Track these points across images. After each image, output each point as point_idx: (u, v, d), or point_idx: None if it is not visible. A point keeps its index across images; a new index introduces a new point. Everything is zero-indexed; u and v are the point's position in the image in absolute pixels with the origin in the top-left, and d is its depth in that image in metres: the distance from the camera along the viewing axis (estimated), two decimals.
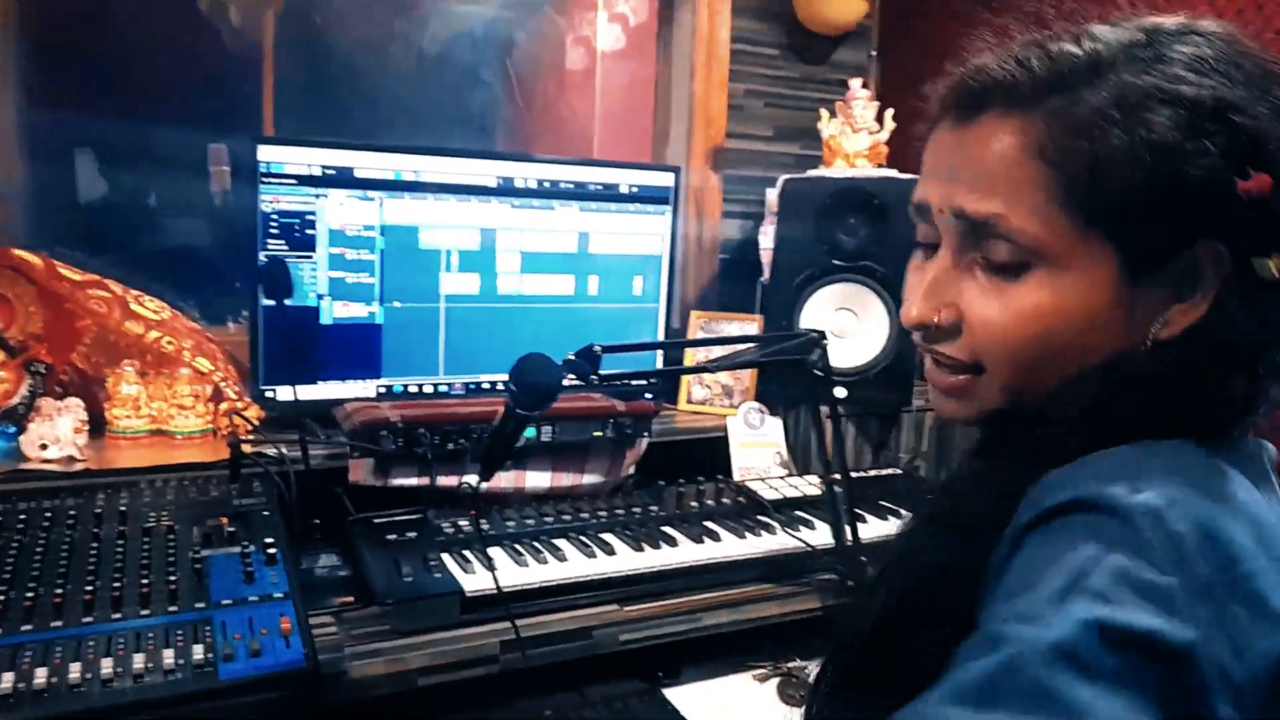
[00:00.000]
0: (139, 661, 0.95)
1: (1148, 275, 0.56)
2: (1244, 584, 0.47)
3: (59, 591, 1.03)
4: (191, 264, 2.41)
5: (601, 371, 1.08)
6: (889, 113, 1.84)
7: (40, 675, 0.91)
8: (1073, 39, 0.59)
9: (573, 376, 1.06)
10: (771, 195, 1.88)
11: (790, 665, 1.33)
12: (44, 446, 1.28)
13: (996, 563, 0.54)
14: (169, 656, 0.96)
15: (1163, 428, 0.56)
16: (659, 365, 1.75)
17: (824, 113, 1.88)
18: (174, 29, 2.59)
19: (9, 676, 0.90)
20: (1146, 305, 0.57)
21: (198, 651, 0.98)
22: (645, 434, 1.58)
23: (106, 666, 0.93)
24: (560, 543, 1.32)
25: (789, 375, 1.69)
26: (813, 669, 1.31)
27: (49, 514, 1.17)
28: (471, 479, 1.44)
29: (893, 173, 1.81)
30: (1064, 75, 0.57)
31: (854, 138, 1.84)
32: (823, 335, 1.29)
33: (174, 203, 2.40)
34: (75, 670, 0.92)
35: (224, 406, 1.47)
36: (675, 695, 1.25)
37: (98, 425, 1.41)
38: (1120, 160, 0.54)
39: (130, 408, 1.41)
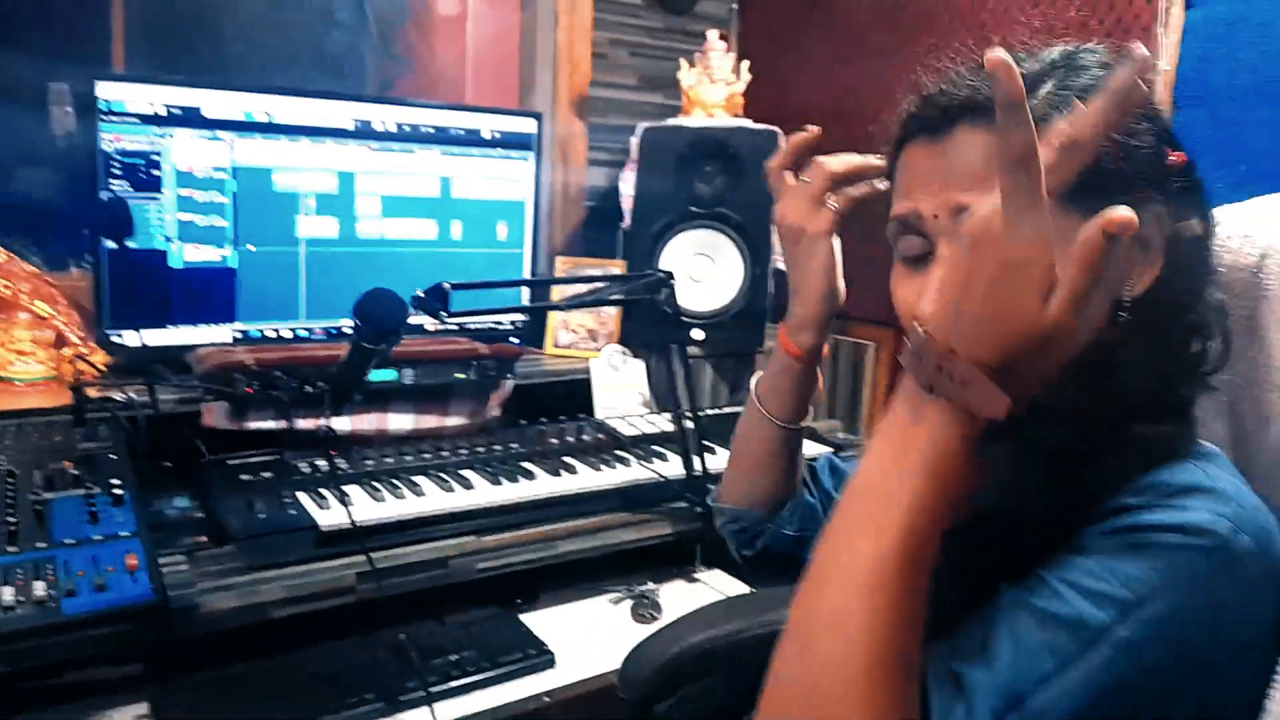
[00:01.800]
0: None
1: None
2: None
3: None
4: (30, 207, 2.28)
5: (457, 310, 1.11)
6: (745, 64, 1.90)
7: None
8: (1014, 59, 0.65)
9: (422, 314, 1.09)
10: (634, 143, 1.93)
11: (643, 588, 1.41)
12: None
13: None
14: (8, 594, 0.96)
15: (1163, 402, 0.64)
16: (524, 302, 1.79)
17: (684, 63, 1.93)
18: None
19: None
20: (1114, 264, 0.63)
21: (39, 589, 0.97)
22: (509, 376, 1.62)
23: None
24: (419, 479, 1.35)
25: (650, 318, 1.76)
26: (665, 591, 1.41)
27: None
28: (331, 422, 1.46)
29: (747, 123, 1.88)
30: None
31: (711, 88, 1.90)
32: (670, 275, 1.35)
33: (12, 144, 2.27)
34: None
35: (69, 352, 1.43)
36: (532, 619, 1.31)
37: None
38: None
39: None
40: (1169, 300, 0.64)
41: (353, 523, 1.12)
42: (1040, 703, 0.54)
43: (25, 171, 2.37)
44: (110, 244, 1.42)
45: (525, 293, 1.83)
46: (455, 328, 1.62)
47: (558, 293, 1.85)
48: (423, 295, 1.09)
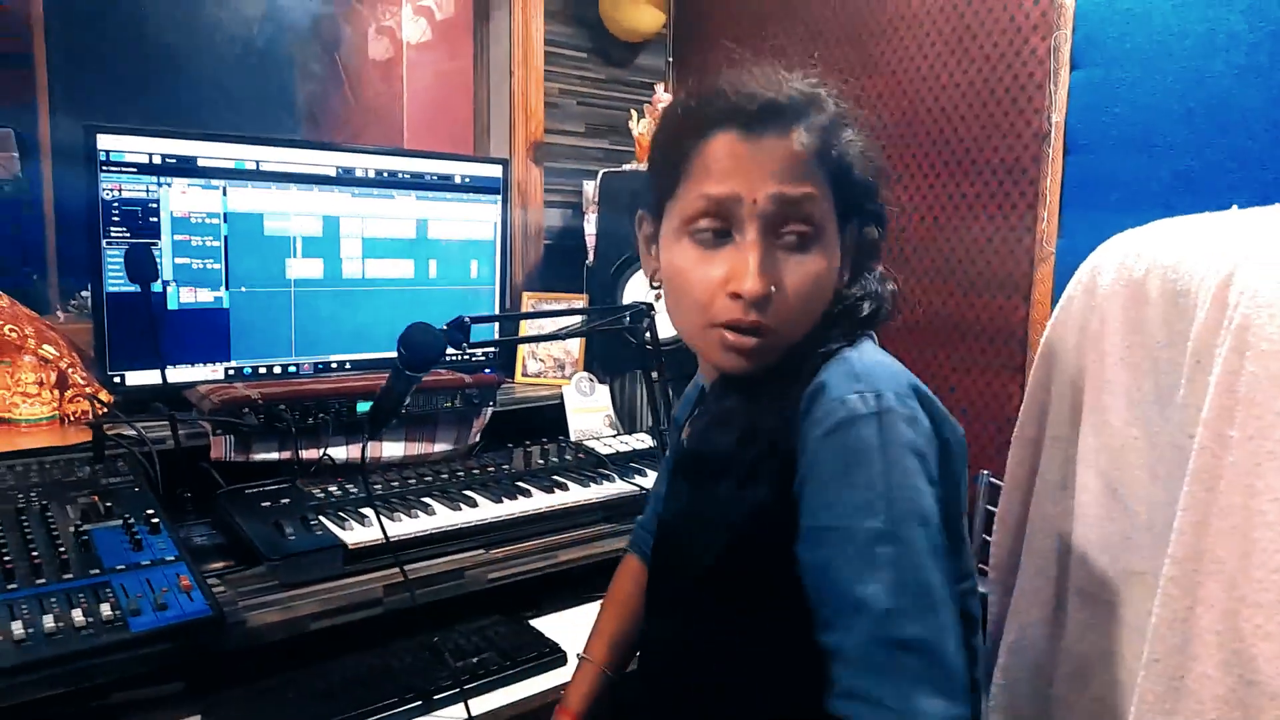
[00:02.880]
0: (49, 622, 1.01)
1: (845, 243, 0.85)
2: (933, 405, 0.79)
3: None
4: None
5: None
6: None
7: None
8: (789, 78, 0.83)
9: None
10: (589, 186, 2.09)
11: None
12: None
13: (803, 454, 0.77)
14: (78, 615, 1.03)
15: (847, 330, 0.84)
16: (495, 338, 1.91)
17: (634, 113, 2.10)
18: None
19: None
20: (843, 263, 0.85)
21: (105, 610, 1.04)
22: (490, 403, 1.74)
23: (17, 630, 0.99)
24: (427, 499, 1.46)
25: (616, 346, 1.91)
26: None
27: None
28: (334, 450, 1.56)
29: None
30: (807, 101, 0.81)
31: None
32: (650, 307, 1.51)
33: None
34: None
35: (70, 392, 1.47)
36: (539, 624, 1.43)
37: None
38: (851, 161, 0.83)
39: None
40: (854, 283, 0.87)
41: (386, 538, 1.22)
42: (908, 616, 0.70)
43: None
44: (121, 288, 1.48)
45: (497, 326, 1.95)
46: None
47: (528, 325, 1.98)
48: (449, 328, 1.20)
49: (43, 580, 1.08)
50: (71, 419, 1.47)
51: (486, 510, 1.45)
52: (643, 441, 1.83)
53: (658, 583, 0.99)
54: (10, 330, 1.41)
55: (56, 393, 1.47)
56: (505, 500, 1.49)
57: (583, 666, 1.16)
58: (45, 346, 1.44)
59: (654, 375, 1.58)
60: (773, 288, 0.78)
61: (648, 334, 1.51)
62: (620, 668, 1.16)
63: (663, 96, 2.08)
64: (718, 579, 0.83)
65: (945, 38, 1.89)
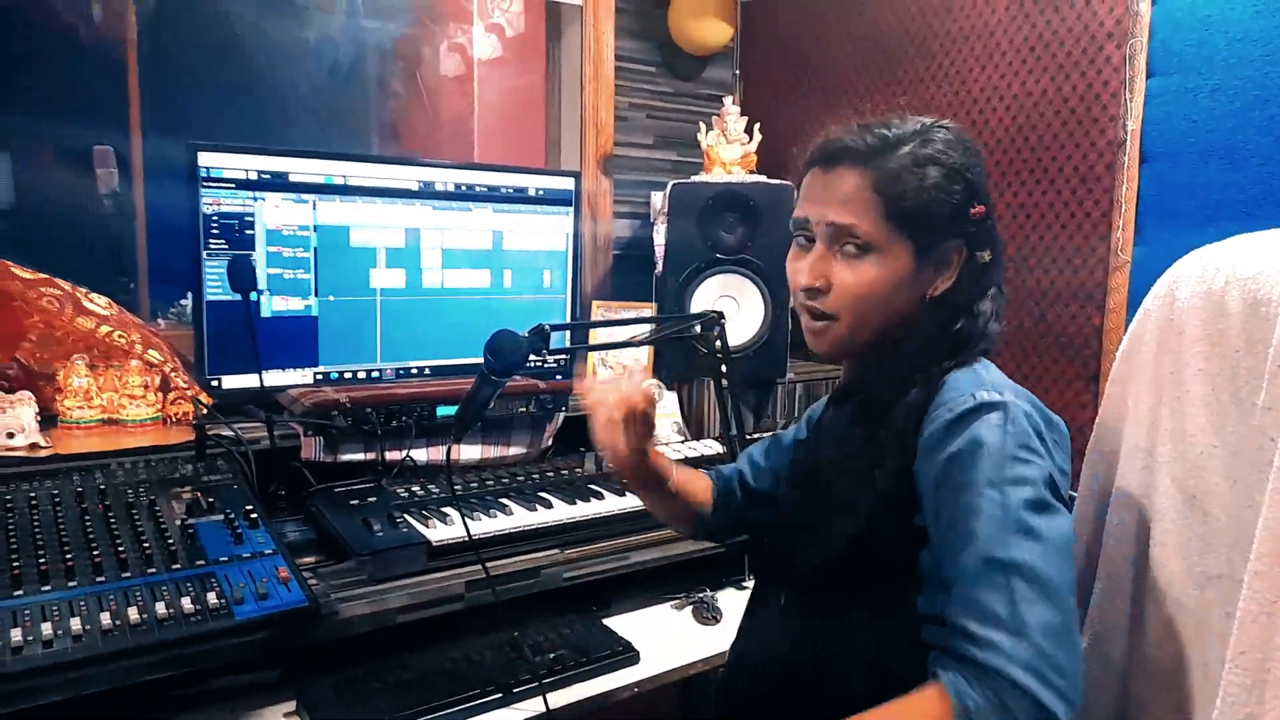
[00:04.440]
0: (161, 609, 1.08)
1: (925, 259, 0.97)
2: (1055, 429, 0.90)
3: (68, 557, 1.14)
4: (88, 265, 2.40)
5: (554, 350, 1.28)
6: (756, 126, 2.12)
7: (75, 624, 1.03)
8: (884, 126, 0.99)
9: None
10: (657, 197, 2.13)
11: (700, 594, 1.58)
12: (10, 435, 1.35)
13: (929, 446, 0.89)
14: (187, 603, 1.10)
15: (952, 353, 0.96)
16: (566, 344, 1.96)
17: (702, 125, 2.14)
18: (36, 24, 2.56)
19: (46, 628, 1.02)
20: (924, 277, 0.97)
21: (211, 598, 1.11)
22: (563, 409, 1.79)
23: (133, 615, 1.06)
24: (505, 500, 1.51)
25: (684, 354, 1.94)
26: (721, 597, 1.57)
27: (33, 496, 1.26)
28: (415, 452, 1.62)
29: (762, 178, 2.09)
30: (882, 145, 0.97)
31: (728, 147, 2.11)
32: (721, 315, 1.54)
33: (65, 202, 2.39)
34: (105, 619, 1.04)
35: (172, 395, 1.56)
36: (610, 622, 1.47)
37: (46, 417, 1.48)
38: (915, 193, 0.95)
39: (82, 399, 1.49)
40: (958, 299, 0.98)
41: (469, 536, 1.27)
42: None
43: (80, 229, 2.49)
44: (221, 297, 1.57)
45: (568, 334, 2.00)
46: None
47: (598, 332, 2.03)
48: (530, 335, 1.25)
49: (154, 570, 1.15)
50: (174, 420, 1.56)
51: (561, 511, 1.49)
52: (710, 447, 1.86)
53: (776, 568, 1.10)
54: (119, 336, 1.51)
55: (160, 395, 1.56)
56: (579, 502, 1.53)
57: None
58: (150, 351, 1.53)
59: (723, 383, 1.61)
60: (820, 282, 0.98)
61: (718, 342, 1.54)
62: (672, 493, 1.23)
63: (730, 109, 2.11)
64: (843, 565, 0.96)
65: (1016, 46, 1.89)
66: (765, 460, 1.27)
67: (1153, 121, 1.68)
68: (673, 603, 1.58)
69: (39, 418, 1.43)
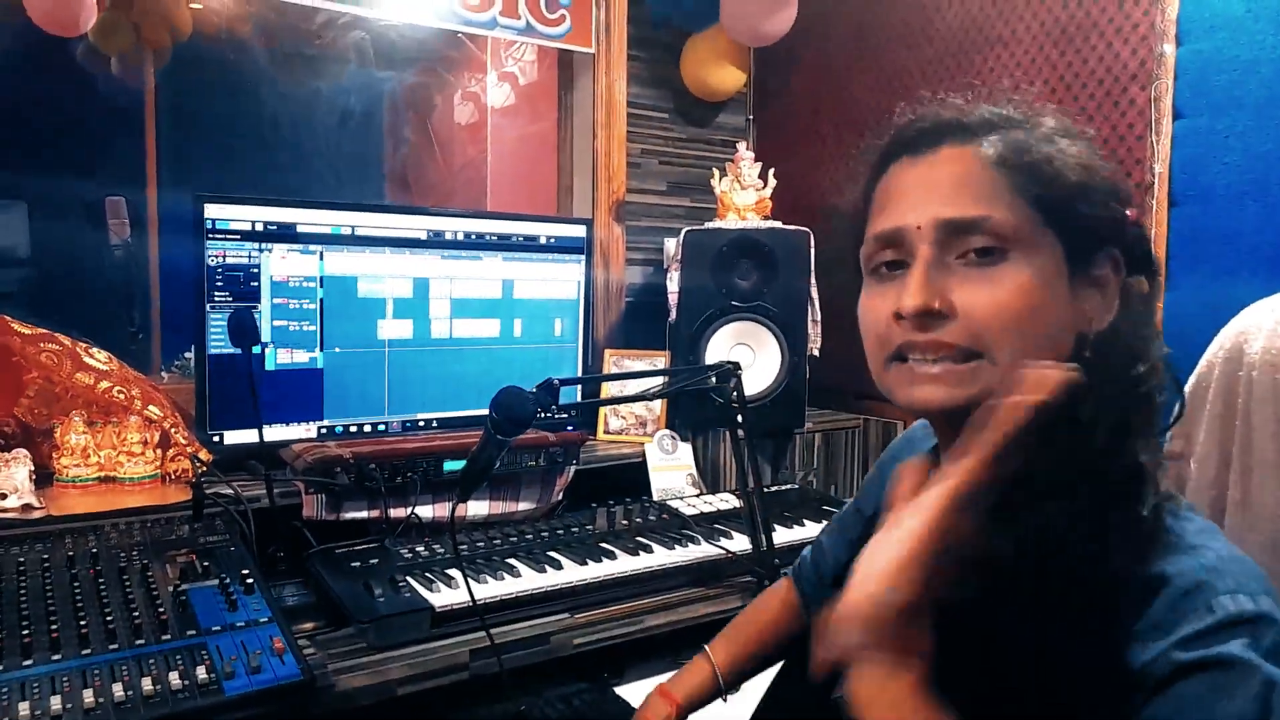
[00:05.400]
0: (147, 685, 1.02)
1: (1081, 265, 0.69)
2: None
3: (54, 628, 1.08)
4: (99, 315, 2.40)
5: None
6: (771, 172, 2.09)
7: (55, 703, 0.97)
8: (989, 105, 0.76)
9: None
10: (670, 244, 2.09)
11: None
12: (3, 496, 1.31)
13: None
14: (174, 678, 1.04)
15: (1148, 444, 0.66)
16: (577, 398, 1.91)
17: (716, 171, 2.11)
18: (53, 78, 2.59)
19: (24, 707, 0.96)
20: (1080, 299, 0.69)
21: (200, 672, 1.05)
22: (574, 462, 1.73)
23: (118, 692, 1.00)
24: (512, 561, 1.45)
25: (698, 404, 1.89)
26: None
27: (21, 560, 1.21)
28: (421, 510, 1.57)
29: (777, 224, 2.05)
30: (997, 119, 0.74)
31: (743, 193, 2.07)
32: (737, 366, 1.49)
33: (75, 253, 2.39)
34: (89, 696, 0.99)
35: (172, 451, 1.52)
36: (624, 692, 1.40)
37: (43, 475, 1.44)
38: (1058, 169, 0.69)
39: (79, 457, 1.45)
40: (1122, 345, 0.68)
41: (473, 601, 1.21)
42: None
43: (89, 280, 2.49)
44: (223, 350, 1.53)
45: (579, 389, 1.95)
46: None
47: (611, 384, 1.98)
48: (537, 391, 1.20)
49: (142, 641, 1.10)
50: (173, 477, 1.52)
51: (571, 573, 1.43)
52: (726, 501, 1.80)
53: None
54: (119, 392, 1.47)
55: (159, 451, 1.52)
56: (590, 562, 1.47)
57: (700, 661, 1.14)
58: (150, 407, 1.49)
59: (739, 434, 1.55)
60: (939, 302, 0.68)
61: (734, 393, 1.49)
62: (732, 683, 1.13)
63: (744, 154, 2.08)
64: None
65: (1038, 91, 1.85)
66: (848, 552, 1.04)
67: (1181, 164, 1.63)
68: None
69: (34, 476, 1.39)
